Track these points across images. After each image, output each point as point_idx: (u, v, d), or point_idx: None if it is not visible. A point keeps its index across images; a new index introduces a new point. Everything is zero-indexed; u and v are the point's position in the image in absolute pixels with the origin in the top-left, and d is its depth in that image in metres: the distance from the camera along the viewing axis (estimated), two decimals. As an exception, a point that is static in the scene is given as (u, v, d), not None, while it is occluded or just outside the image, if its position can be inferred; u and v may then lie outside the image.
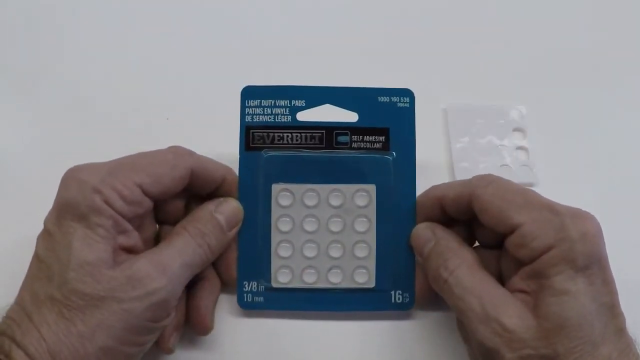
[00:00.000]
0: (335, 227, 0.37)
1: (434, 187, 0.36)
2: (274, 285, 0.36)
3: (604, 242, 0.30)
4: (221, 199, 0.36)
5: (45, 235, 0.31)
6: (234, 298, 0.37)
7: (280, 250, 0.36)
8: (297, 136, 0.37)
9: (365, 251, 0.36)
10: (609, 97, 0.46)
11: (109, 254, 0.30)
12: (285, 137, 0.37)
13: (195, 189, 0.35)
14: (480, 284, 0.31)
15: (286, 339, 0.37)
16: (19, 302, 0.30)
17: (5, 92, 0.46)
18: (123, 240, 0.31)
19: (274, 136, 0.37)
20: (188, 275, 0.33)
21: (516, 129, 0.45)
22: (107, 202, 0.30)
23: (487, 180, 0.33)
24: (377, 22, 0.49)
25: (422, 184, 0.36)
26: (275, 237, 0.36)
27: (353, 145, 0.37)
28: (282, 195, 0.36)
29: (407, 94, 0.37)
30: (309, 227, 0.36)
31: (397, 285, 0.37)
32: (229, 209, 0.35)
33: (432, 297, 0.35)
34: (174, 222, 0.35)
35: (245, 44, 0.47)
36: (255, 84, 0.37)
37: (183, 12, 0.49)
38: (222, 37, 0.48)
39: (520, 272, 0.31)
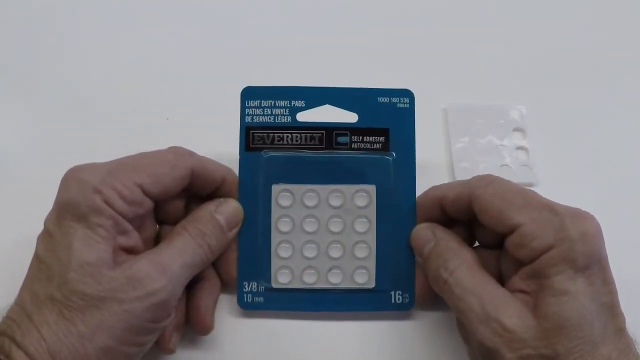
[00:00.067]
0: (335, 227, 0.37)
1: (433, 188, 0.36)
2: (274, 285, 0.36)
3: (604, 242, 0.30)
4: (221, 199, 0.36)
5: (46, 236, 0.31)
6: (234, 298, 0.37)
7: (280, 250, 0.36)
8: (297, 137, 0.37)
9: (365, 251, 0.36)
10: (609, 97, 0.46)
11: (109, 254, 0.30)
12: (285, 138, 0.37)
13: (196, 189, 0.35)
14: (480, 284, 0.31)
15: (286, 339, 0.37)
16: (19, 303, 0.30)
17: (5, 92, 0.46)
18: (123, 240, 0.31)
19: (274, 137, 0.37)
20: (188, 276, 0.33)
21: (516, 129, 0.45)
22: (107, 202, 0.30)
23: (487, 180, 0.33)
24: (377, 22, 0.49)
25: (422, 184, 0.36)
26: (275, 238, 0.36)
27: (353, 146, 0.37)
28: (282, 195, 0.36)
29: (407, 94, 0.37)
30: (309, 227, 0.36)
31: (397, 286, 0.37)
32: (229, 209, 0.35)
33: (432, 298, 0.35)
34: (174, 222, 0.35)
35: (245, 44, 0.47)
36: (255, 84, 0.37)
37: (183, 12, 0.49)
38: (222, 37, 0.48)
39: (520, 272, 0.31)
